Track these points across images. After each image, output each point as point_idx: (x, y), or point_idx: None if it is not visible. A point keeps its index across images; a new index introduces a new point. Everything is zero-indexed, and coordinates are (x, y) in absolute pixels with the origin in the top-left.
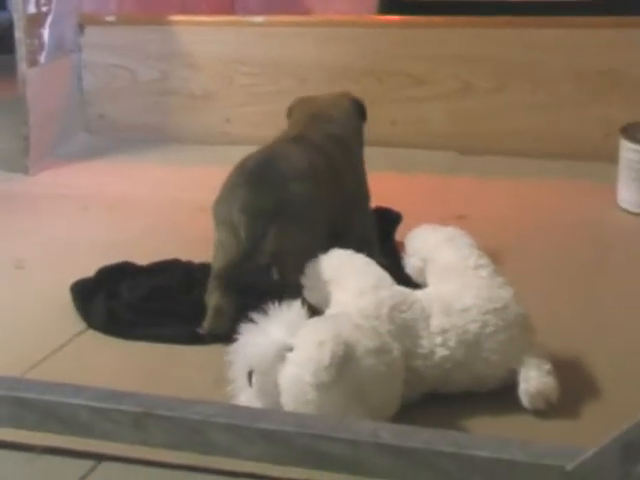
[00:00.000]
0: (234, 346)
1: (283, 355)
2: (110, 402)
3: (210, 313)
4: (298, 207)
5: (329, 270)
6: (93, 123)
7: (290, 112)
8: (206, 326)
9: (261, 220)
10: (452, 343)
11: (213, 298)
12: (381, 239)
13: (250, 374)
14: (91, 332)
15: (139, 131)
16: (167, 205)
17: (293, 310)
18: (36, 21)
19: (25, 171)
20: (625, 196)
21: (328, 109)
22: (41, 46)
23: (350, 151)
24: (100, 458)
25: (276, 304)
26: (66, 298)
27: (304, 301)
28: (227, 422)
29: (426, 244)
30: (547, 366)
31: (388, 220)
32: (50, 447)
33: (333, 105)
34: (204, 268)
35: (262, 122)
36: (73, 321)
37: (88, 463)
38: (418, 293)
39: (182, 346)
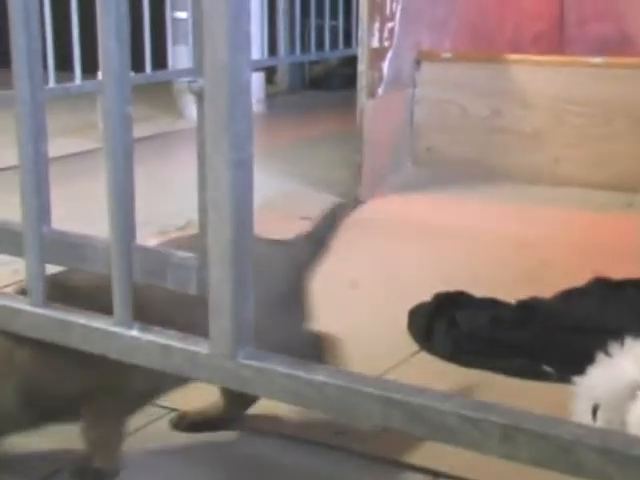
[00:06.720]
0: (582, 379)
1: (635, 392)
2: (479, 412)
3: None
4: None
5: None
6: (420, 155)
7: None
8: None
9: None
10: None
11: None
12: None
13: (595, 408)
14: (422, 355)
15: (464, 166)
16: (489, 240)
17: None
18: (378, 55)
19: (356, 198)
20: None
21: None
22: (380, 79)
23: None
24: (436, 475)
25: (629, 339)
26: (398, 319)
27: None
28: (600, 445)
29: None
30: None
31: None
32: (388, 458)
33: None
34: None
35: (592, 164)
36: (405, 343)
37: (421, 477)
38: None
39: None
